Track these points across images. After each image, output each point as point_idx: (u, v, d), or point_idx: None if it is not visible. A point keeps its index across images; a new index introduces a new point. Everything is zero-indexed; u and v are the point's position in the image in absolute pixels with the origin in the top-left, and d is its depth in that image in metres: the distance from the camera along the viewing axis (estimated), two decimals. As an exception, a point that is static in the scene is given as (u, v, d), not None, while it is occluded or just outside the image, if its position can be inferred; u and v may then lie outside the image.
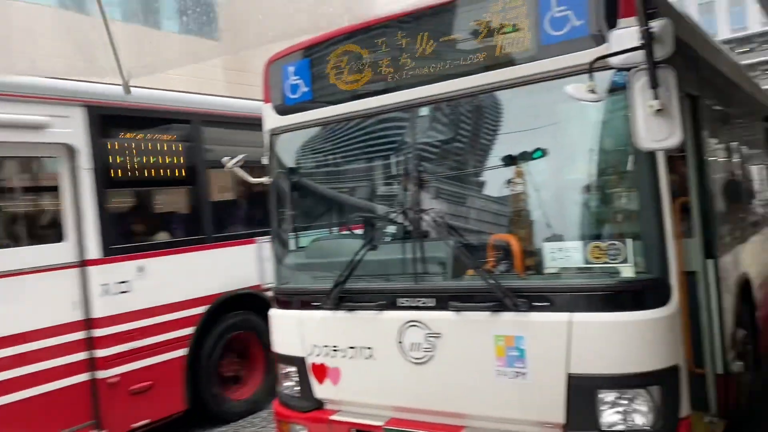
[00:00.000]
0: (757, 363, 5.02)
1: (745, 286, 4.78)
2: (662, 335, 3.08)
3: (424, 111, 3.88)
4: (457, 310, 3.49)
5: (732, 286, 4.35)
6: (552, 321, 3.24)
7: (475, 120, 3.93)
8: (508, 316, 3.37)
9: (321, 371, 4.02)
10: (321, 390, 4.04)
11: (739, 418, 4.29)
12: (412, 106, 3.81)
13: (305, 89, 4.22)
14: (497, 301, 3.37)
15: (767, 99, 8.07)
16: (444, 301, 3.56)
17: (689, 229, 4.09)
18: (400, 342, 3.65)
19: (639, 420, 3.09)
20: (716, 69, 4.79)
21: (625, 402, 3.10)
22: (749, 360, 4.66)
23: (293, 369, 4.18)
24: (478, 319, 3.45)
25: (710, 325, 3.90)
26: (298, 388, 4.15)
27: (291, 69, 4.26)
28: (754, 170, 6.44)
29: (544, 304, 3.29)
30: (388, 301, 3.73)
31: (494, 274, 3.54)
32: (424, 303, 3.62)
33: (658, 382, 3.04)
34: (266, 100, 4.46)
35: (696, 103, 3.93)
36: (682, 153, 4.05)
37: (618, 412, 3.11)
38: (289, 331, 4.19)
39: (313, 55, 4.20)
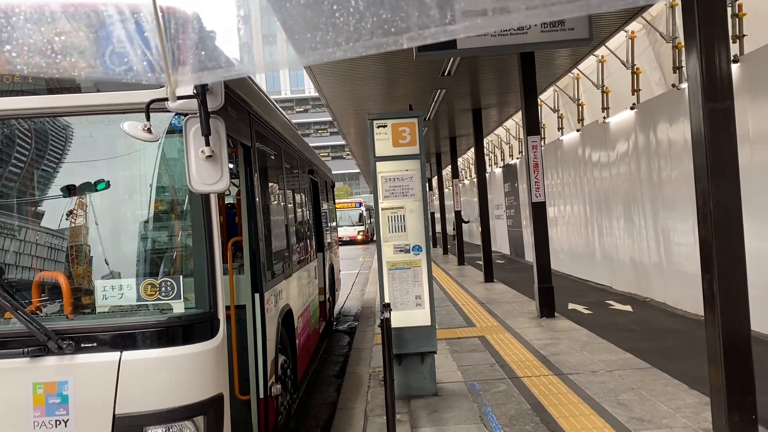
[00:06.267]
0: (295, 384, 5.71)
1: (287, 316, 5.43)
2: (208, 367, 3.27)
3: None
4: None
5: (275, 317, 4.89)
6: (100, 362, 3.13)
7: (30, 144, 3.57)
8: (51, 361, 3.12)
9: None
10: None
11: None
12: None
13: None
14: (40, 345, 3.09)
15: (313, 154, 9.44)
16: (-30, 349, 3.09)
17: (241, 266, 4.47)
18: None
19: (185, 450, 3.19)
20: (269, 125, 5.41)
21: (173, 435, 3.17)
22: (289, 383, 5.28)
23: None
24: (14, 366, 3.09)
25: (255, 354, 4.29)
26: None
27: None
28: (300, 214, 7.42)
29: (93, 344, 3.16)
30: None
31: (37, 315, 3.24)
32: None
33: (202, 412, 3.20)
34: None
35: (249, 153, 4.37)
36: (239, 196, 4.43)
37: (166, 446, 3.16)
38: None
39: None
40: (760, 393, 4.30)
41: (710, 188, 4.32)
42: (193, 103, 2.90)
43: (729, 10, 7.37)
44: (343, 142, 23.84)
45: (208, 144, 2.84)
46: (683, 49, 8.53)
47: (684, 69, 8.66)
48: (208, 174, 2.88)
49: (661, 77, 10.12)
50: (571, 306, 10.16)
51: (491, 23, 2.00)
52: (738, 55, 7.45)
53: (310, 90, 73.17)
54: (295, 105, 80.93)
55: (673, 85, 9.19)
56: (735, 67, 7.29)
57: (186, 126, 2.89)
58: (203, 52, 2.48)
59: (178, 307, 3.27)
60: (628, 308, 9.76)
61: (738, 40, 7.52)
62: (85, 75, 2.41)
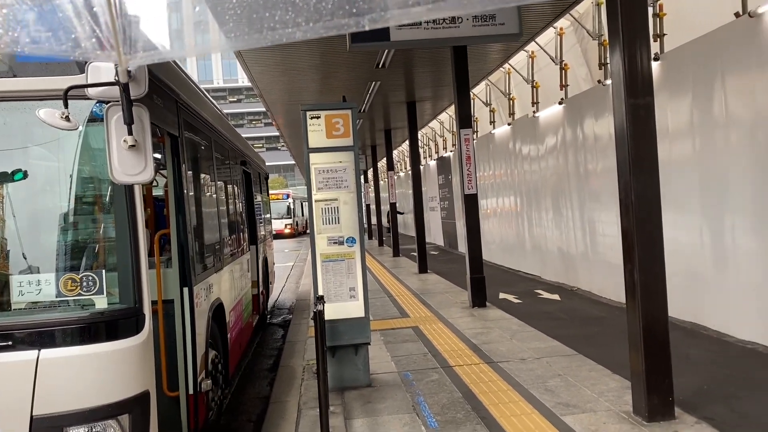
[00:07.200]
0: (227, 379, 5.61)
1: (218, 310, 5.32)
2: (133, 363, 3.17)
3: None
4: None
5: (206, 311, 4.78)
6: (16, 361, 2.98)
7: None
8: (-38, 361, 2.95)
9: None
10: None
11: (209, 432, 4.72)
12: None
13: None
14: None
15: (245, 145, 9.27)
16: None
17: (169, 260, 4.34)
18: None
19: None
20: (199, 115, 5.27)
21: (96, 435, 3.06)
22: (220, 378, 5.18)
23: None
24: None
25: (184, 349, 4.18)
26: None
27: None
28: (232, 206, 7.27)
29: (8, 343, 3.00)
30: None
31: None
32: None
33: (127, 410, 3.10)
34: None
35: (176, 143, 4.24)
36: (167, 188, 4.30)
37: (89, 446, 3.05)
38: None
39: None
40: (675, 376, 4.52)
41: (632, 181, 4.50)
42: (115, 90, 2.79)
43: (650, 10, 7.68)
44: (277, 133, 23.53)
45: (131, 133, 2.73)
46: (608, 46, 8.84)
47: (609, 66, 8.97)
48: (132, 164, 2.77)
49: (588, 73, 10.45)
50: (502, 295, 10.40)
51: (455, 6, 2.02)
52: (659, 53, 7.77)
53: (243, 80, 71.74)
54: (228, 95, 79.27)
55: (599, 81, 9.51)
56: (655, 65, 7.61)
57: (107, 114, 2.77)
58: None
59: (101, 303, 3.16)
60: (556, 297, 10.08)
61: (659, 39, 7.85)
62: (29, 51, 2.29)
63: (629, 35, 4.48)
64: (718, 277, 6.93)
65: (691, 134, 7.28)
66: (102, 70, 2.91)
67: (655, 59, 7.67)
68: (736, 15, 6.39)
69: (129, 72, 2.75)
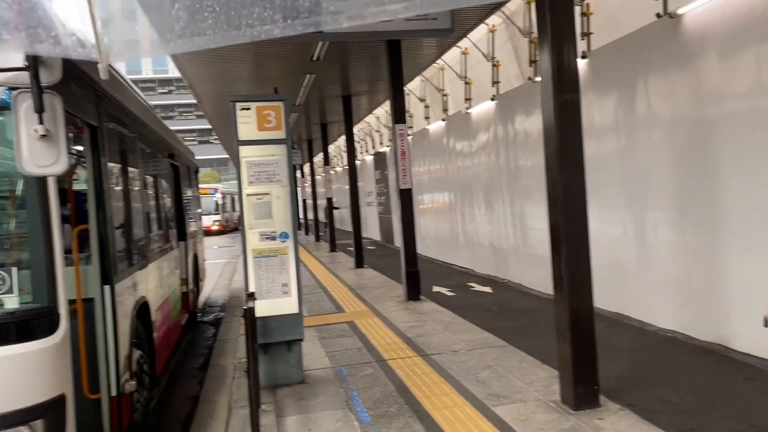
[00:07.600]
0: (153, 380, 5.42)
1: (143, 309, 5.12)
2: (48, 365, 3.00)
3: None
4: None
5: (129, 310, 4.59)
6: None
7: None
8: None
9: None
10: None
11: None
12: None
13: None
14: None
15: (174, 138, 8.99)
16: None
17: (89, 257, 4.14)
18: None
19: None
20: (122, 105, 5.05)
21: (7, 443, 2.89)
22: (146, 378, 4.99)
23: None
24: None
25: (106, 350, 4.00)
26: None
27: None
28: (159, 201, 7.02)
29: None
30: None
31: None
32: None
33: (41, 415, 2.94)
34: None
35: (96, 134, 4.04)
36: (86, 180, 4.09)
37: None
38: None
39: None
40: (600, 365, 4.66)
41: (559, 175, 4.60)
42: (25, 77, 2.62)
43: (578, 9, 7.87)
44: (210, 126, 22.96)
45: (41, 122, 2.58)
46: (538, 43, 9.01)
47: (539, 62, 9.15)
48: (43, 155, 2.62)
49: (519, 70, 10.65)
50: (436, 289, 10.50)
51: (430, 3, 2.03)
52: (586, 51, 7.99)
53: (173, 71, 69.73)
54: (158, 86, 76.86)
55: (530, 78, 9.71)
56: (583, 63, 7.83)
57: (16, 101, 2.60)
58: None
59: (11, 302, 2.97)
60: (488, 290, 10.26)
61: (586, 38, 8.06)
62: (9, 49, 2.17)
63: (556, 33, 4.57)
64: (640, 269, 7.20)
65: (616, 131, 7.52)
66: (11, 56, 2.73)
67: (583, 57, 7.88)
68: (658, 15, 6.63)
69: (38, 57, 2.60)
